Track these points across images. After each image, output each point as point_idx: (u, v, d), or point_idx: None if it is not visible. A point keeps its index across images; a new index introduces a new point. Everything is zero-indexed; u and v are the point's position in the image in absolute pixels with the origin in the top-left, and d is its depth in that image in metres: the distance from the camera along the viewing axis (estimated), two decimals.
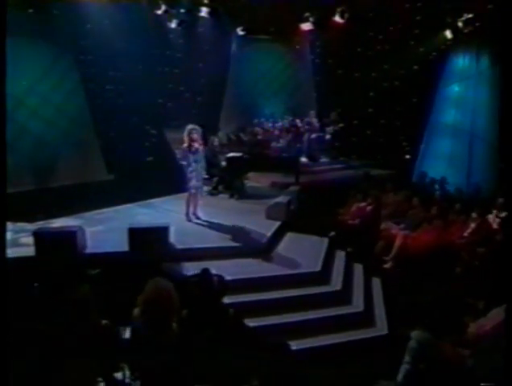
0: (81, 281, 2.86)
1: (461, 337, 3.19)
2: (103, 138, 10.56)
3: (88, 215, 6.42)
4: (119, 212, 6.74)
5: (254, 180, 9.17)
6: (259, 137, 11.13)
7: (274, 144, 10.86)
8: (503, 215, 5.76)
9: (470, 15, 9.43)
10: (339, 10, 10.74)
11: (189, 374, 2.61)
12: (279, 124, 12.01)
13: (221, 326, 2.69)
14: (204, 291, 2.69)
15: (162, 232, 4.73)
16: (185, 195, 8.05)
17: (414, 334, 3.28)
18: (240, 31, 12.51)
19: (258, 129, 11.52)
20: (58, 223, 5.88)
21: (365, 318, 4.37)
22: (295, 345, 3.53)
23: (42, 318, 2.87)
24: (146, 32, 10.45)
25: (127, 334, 3.01)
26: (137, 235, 4.64)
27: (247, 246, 5.11)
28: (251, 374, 2.22)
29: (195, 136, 5.89)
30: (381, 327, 4.29)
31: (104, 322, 2.89)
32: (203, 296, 2.70)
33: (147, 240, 4.63)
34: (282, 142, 10.90)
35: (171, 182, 8.67)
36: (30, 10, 9.05)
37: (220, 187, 8.25)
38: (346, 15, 10.75)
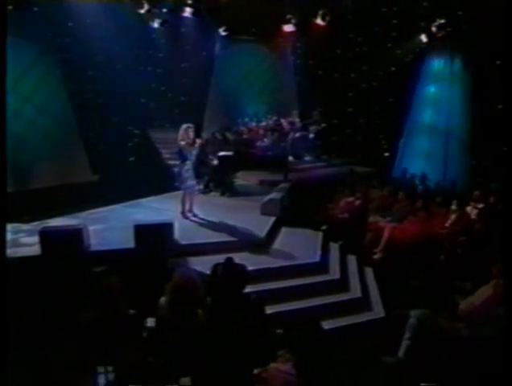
0: (110, 273, 2.99)
1: (454, 313, 3.55)
2: (86, 139, 10.47)
3: (83, 214, 6.42)
4: (113, 212, 6.77)
5: (242, 178, 9.39)
6: (245, 136, 11.35)
7: (259, 143, 11.10)
8: (480, 206, 6.30)
9: (442, 21, 10.04)
10: (320, 12, 11.13)
11: (215, 357, 2.80)
12: (263, 123, 12.28)
13: (246, 311, 2.91)
14: (229, 279, 2.90)
15: (167, 228, 4.87)
16: (172, 194, 8.20)
17: (414, 312, 3.62)
18: (222, 32, 12.68)
19: (243, 128, 11.75)
20: (54, 223, 5.87)
21: (363, 303, 4.71)
22: None
23: (74, 309, 2.98)
24: (129, 31, 10.42)
25: (150, 323, 3.17)
26: (143, 231, 4.75)
27: (248, 240, 5.33)
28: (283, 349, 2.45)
29: (191, 134, 6.03)
30: (378, 311, 4.64)
31: (131, 311, 3.04)
32: (228, 283, 2.90)
33: (153, 236, 4.76)
34: (266, 141, 11.16)
35: (157, 182, 8.75)
36: (10, 7, 8.86)
37: (211, 186, 8.40)
38: (327, 18, 11.14)
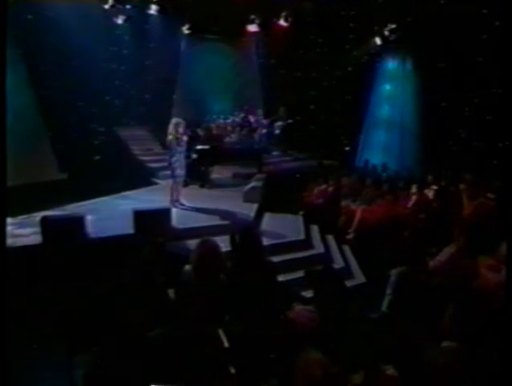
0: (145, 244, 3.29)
1: (425, 269, 4.25)
2: (51, 137, 10.22)
3: (69, 207, 6.45)
4: (99, 204, 6.85)
5: (216, 172, 9.73)
6: (214, 132, 11.69)
7: (227, 139, 11.52)
8: (435, 188, 7.27)
9: (393, 26, 11.09)
10: (283, 14, 11.76)
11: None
12: (229, 120, 12.71)
13: (262, 272, 3.35)
14: (247, 244, 3.33)
15: (164, 213, 5.16)
16: (154, 187, 8.41)
17: (393, 271, 4.27)
18: (185, 30, 12.89)
19: (212, 125, 12.10)
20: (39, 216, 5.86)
21: (346, 272, 5.34)
22: None
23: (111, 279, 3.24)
24: (92, 27, 10.28)
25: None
26: (142, 217, 5.00)
27: (238, 223, 5.74)
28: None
29: (180, 129, 6.35)
30: (359, 278, 5.31)
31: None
32: (247, 248, 3.33)
33: (152, 221, 5.02)
34: (233, 137, 11.63)
35: (132, 177, 8.84)
36: None
37: (188, 179, 8.65)
38: (290, 19, 11.81)
